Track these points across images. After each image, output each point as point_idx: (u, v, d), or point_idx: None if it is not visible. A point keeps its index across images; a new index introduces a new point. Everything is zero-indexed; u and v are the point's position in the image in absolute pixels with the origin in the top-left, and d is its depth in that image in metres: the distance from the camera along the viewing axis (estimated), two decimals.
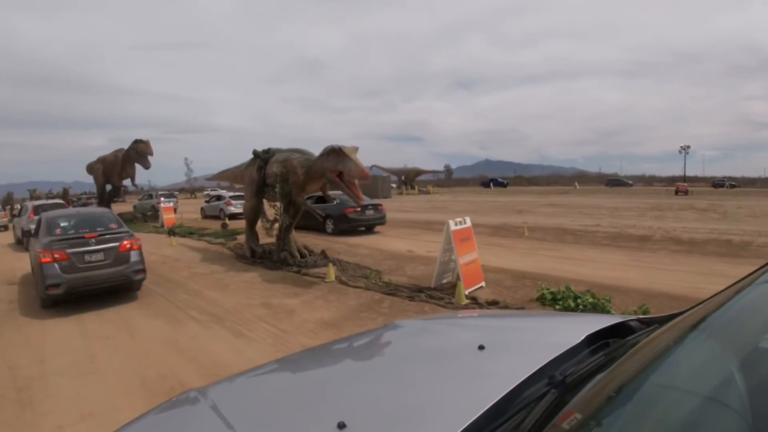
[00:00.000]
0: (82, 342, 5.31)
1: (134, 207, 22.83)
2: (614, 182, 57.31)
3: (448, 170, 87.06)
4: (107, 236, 7.16)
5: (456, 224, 7.12)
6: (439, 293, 6.86)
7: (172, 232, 15.33)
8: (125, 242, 7.19)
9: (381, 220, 14.90)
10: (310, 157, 9.03)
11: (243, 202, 22.70)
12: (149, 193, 24.30)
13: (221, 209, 21.10)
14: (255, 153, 10.27)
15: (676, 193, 37.00)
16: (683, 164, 61.70)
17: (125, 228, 7.75)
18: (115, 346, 5.15)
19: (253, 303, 6.72)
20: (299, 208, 9.66)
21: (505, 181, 61.18)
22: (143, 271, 7.42)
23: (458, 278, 7.25)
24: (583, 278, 7.83)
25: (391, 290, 7.05)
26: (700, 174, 70.54)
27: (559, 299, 6.50)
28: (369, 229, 14.77)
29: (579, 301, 6.35)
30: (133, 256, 7.24)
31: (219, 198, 22.62)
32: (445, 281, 7.40)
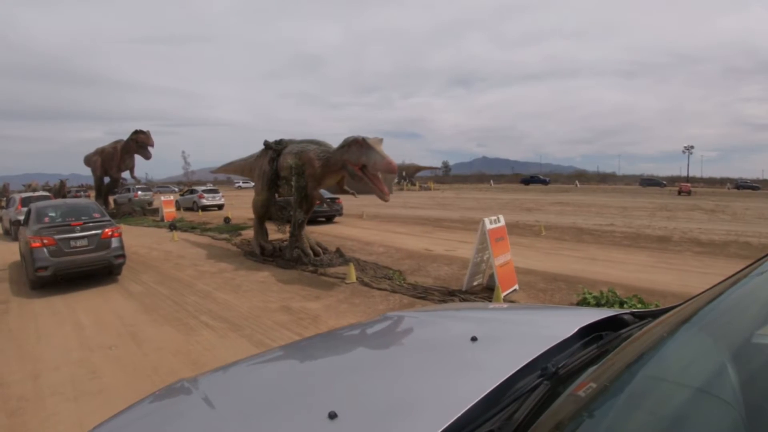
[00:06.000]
0: (81, 353, 4.67)
1: (114, 201, 22.21)
2: (648, 182, 56.34)
3: (446, 167, 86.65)
4: (91, 224, 7.75)
5: (491, 222, 6.59)
6: (473, 297, 6.34)
7: (173, 227, 14.67)
8: (107, 230, 7.84)
9: (338, 212, 16.71)
10: (328, 148, 8.43)
11: (214, 195, 23.78)
12: (127, 187, 23.96)
13: (194, 202, 23.49)
14: (266, 144, 9.64)
15: (679, 193, 36.77)
16: (686, 164, 61.23)
17: (107, 217, 8.38)
18: (118, 357, 4.53)
19: (270, 307, 6.13)
20: (313, 203, 9.08)
21: (547, 179, 60.00)
22: (123, 256, 8.05)
23: (491, 280, 6.75)
24: (615, 280, 7.37)
25: (421, 293, 6.50)
26: (698, 174, 70.39)
27: (603, 304, 6.01)
28: (328, 220, 16.55)
29: (626, 306, 5.86)
30: (114, 243, 7.88)
31: (192, 191, 25.00)
32: (476, 284, 6.87)
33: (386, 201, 7.38)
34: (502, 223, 6.93)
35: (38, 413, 3.45)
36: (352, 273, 7.42)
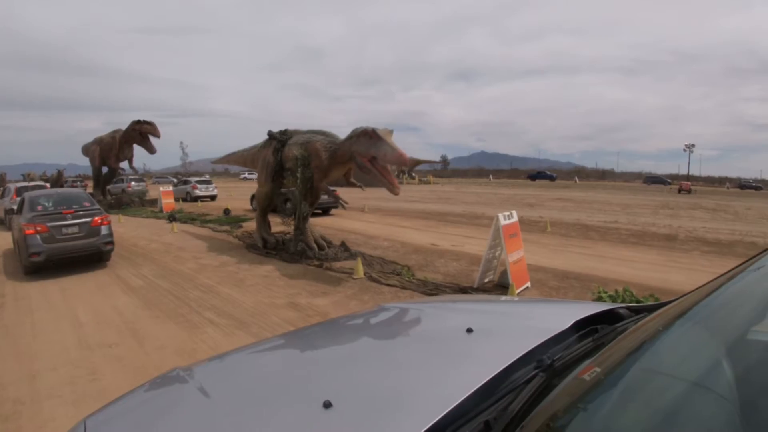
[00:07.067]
0: (80, 351, 4.43)
1: (108, 190, 21.94)
2: (653, 179, 55.91)
3: (445, 161, 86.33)
4: (81, 212, 8.08)
5: (505, 218, 6.38)
6: (486, 295, 6.14)
7: (172, 218, 14.39)
8: (96, 218, 8.16)
9: (335, 205, 15.94)
10: (335, 139, 8.18)
11: (207, 185, 23.90)
12: (120, 177, 23.86)
13: (188, 192, 23.82)
14: (271, 134, 9.36)
15: (679, 191, 36.74)
16: (685, 162, 60.95)
17: (97, 206, 8.68)
18: (119, 356, 4.30)
19: (277, 303, 5.91)
20: (318, 195, 8.84)
21: (554, 175, 59.25)
22: (112, 243, 8.41)
23: (503, 277, 6.57)
24: (627, 279, 7.21)
25: (432, 290, 6.29)
26: (696, 173, 70.20)
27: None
28: (325, 212, 16.38)
29: None
30: (103, 230, 8.20)
31: (186, 182, 25.30)
32: (487, 280, 6.68)
33: (396, 194, 7.15)
34: (515, 218, 6.72)
35: (35, 418, 3.23)
36: (360, 268, 7.21)
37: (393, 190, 7.04)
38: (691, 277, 7.65)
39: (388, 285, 6.62)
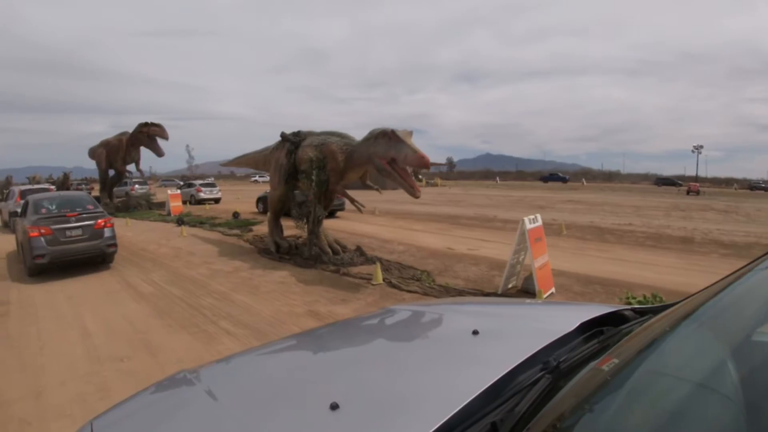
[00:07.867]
0: (89, 365, 4.21)
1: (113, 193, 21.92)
2: (664, 181, 55.19)
3: (451, 163, 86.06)
4: (85, 215, 8.19)
5: (530, 222, 6.16)
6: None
7: (181, 221, 14.22)
8: (100, 221, 8.29)
9: (340, 207, 16.43)
10: (351, 141, 7.97)
11: (212, 188, 24.11)
12: (125, 181, 23.96)
13: (192, 195, 24.00)
14: (283, 136, 9.16)
15: (688, 192, 36.31)
16: (690, 163, 60.53)
17: (101, 209, 8.81)
18: (131, 371, 4.06)
19: (295, 311, 5.69)
20: (332, 199, 8.63)
21: (566, 177, 58.34)
22: (115, 245, 8.51)
23: (526, 282, 6.35)
24: (651, 283, 7.00)
25: (454, 296, 6.07)
26: (702, 174, 69.48)
27: None
28: (330, 215, 16.16)
29: None
30: (107, 233, 8.33)
31: (190, 185, 25.62)
32: (510, 286, 6.45)
33: (417, 197, 6.93)
34: (540, 222, 6.50)
35: None
36: (379, 274, 6.97)
37: (413, 193, 6.82)
38: (715, 280, 7.39)
39: (409, 291, 6.40)
